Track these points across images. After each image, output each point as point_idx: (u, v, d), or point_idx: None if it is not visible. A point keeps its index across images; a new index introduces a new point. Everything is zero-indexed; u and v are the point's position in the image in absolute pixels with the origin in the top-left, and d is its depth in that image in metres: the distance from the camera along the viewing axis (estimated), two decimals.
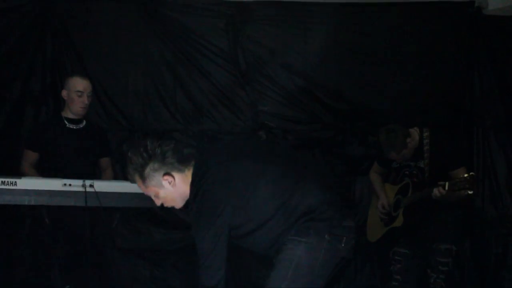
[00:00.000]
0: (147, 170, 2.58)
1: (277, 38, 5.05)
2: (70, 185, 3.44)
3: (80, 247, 3.81)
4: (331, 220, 2.54)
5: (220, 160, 2.60)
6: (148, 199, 2.72)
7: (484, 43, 5.10)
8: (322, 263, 2.55)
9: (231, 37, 5.00)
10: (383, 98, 5.09)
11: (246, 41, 5.01)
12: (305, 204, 2.53)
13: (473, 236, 4.99)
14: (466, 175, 3.72)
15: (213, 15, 4.99)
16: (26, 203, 3.42)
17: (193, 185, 2.57)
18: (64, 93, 4.18)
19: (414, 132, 4.23)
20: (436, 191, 3.85)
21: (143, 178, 2.61)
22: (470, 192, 3.71)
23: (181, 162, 2.59)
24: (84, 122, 4.23)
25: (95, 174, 4.26)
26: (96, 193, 3.43)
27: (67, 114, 4.18)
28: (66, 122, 4.17)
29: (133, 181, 2.66)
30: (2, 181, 3.32)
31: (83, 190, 3.43)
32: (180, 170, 2.60)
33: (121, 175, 4.49)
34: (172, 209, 2.76)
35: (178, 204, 2.68)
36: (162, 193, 2.64)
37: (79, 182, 3.45)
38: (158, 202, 2.70)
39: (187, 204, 2.64)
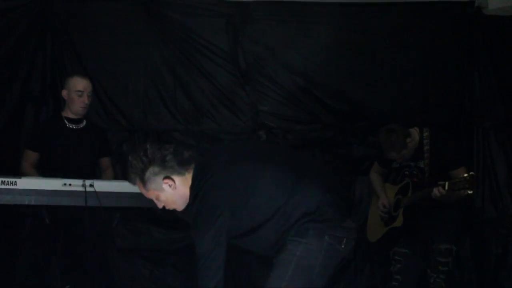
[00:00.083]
0: (147, 174, 2.59)
1: (277, 38, 5.04)
2: (70, 185, 3.44)
3: (80, 247, 3.81)
4: (331, 221, 2.54)
5: (220, 162, 2.61)
6: (148, 199, 2.72)
7: (484, 43, 5.10)
8: (322, 264, 2.55)
9: (231, 37, 4.99)
10: (383, 98, 5.09)
11: (246, 41, 5.01)
12: (305, 204, 2.53)
13: (473, 236, 4.99)
14: (466, 175, 3.71)
15: (213, 15, 4.99)
16: (26, 203, 3.42)
17: (193, 187, 2.58)
18: (64, 93, 4.19)
19: (414, 132, 4.23)
20: (436, 191, 3.85)
21: (144, 182, 2.61)
22: (470, 192, 3.72)
23: (181, 165, 2.60)
24: (84, 122, 4.23)
25: (95, 174, 4.27)
26: (96, 193, 3.43)
27: (67, 114, 4.18)
28: (66, 122, 4.17)
29: (134, 184, 2.67)
30: (2, 181, 3.32)
31: (83, 190, 3.43)
32: (180, 173, 2.60)
33: (121, 175, 4.49)
34: (172, 209, 2.76)
35: (179, 206, 2.69)
36: (163, 196, 2.65)
37: (79, 182, 3.45)
38: (159, 205, 2.71)
39: (188, 206, 2.64)
